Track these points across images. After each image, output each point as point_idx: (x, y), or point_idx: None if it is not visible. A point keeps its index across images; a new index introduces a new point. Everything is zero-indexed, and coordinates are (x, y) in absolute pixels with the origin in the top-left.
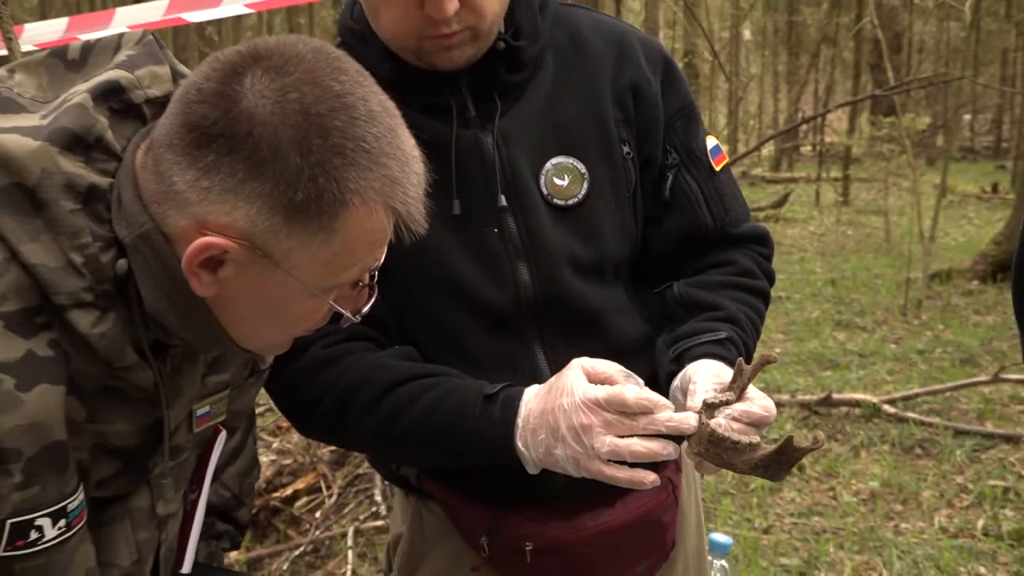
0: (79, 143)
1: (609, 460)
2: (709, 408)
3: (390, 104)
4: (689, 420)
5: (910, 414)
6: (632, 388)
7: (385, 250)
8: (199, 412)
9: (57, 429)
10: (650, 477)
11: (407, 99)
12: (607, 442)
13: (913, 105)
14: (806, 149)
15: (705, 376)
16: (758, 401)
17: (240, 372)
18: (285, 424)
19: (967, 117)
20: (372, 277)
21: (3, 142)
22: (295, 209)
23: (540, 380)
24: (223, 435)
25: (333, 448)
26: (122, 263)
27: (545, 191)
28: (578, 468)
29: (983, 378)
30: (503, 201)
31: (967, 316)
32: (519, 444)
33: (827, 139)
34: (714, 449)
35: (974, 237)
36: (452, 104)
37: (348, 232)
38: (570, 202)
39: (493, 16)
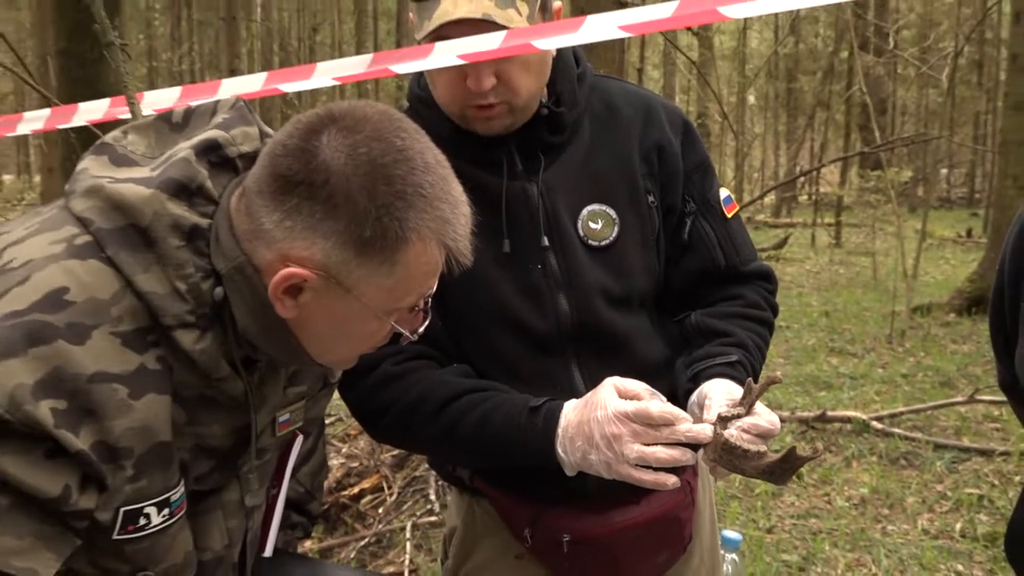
0: (184, 190)
1: (637, 465)
2: (723, 421)
3: (442, 157)
4: (705, 431)
5: (895, 430)
6: (656, 403)
7: (437, 280)
8: (281, 419)
9: (163, 431)
10: (672, 479)
11: (464, 155)
12: (635, 449)
13: (897, 160)
14: (803, 198)
15: (719, 393)
16: (765, 416)
17: (314, 385)
18: (353, 432)
19: (944, 171)
20: (426, 303)
21: (120, 190)
22: (364, 244)
23: (577, 395)
24: (300, 439)
25: (394, 453)
26: (219, 291)
27: (582, 233)
28: (610, 471)
29: (960, 399)
30: (546, 242)
31: (945, 344)
32: (559, 450)
33: (821, 189)
34: (727, 456)
35: (951, 276)
36: (503, 160)
37: (408, 264)
38: (603, 243)
39: (528, 94)
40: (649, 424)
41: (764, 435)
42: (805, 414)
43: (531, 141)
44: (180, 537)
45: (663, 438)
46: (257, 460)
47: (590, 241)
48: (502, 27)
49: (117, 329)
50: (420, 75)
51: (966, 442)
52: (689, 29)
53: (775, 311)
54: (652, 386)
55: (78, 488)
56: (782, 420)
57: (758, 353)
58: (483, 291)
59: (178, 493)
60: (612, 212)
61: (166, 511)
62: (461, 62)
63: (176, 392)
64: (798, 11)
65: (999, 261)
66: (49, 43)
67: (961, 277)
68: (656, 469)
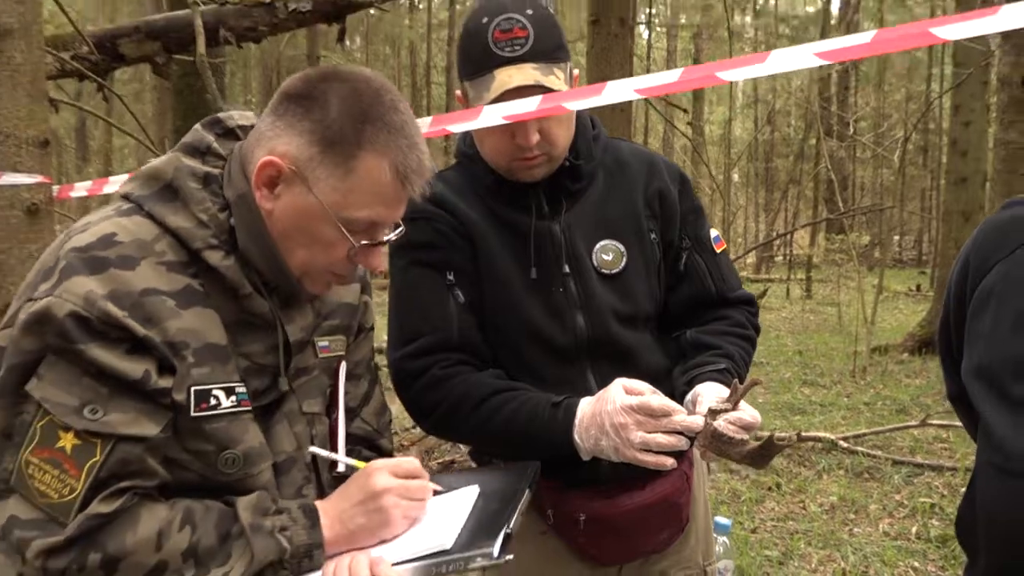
0: (195, 150)
1: (641, 449)
2: (712, 413)
3: (418, 127)
4: (697, 421)
5: (859, 448)
6: (656, 398)
7: (392, 216)
8: (320, 344)
9: (212, 335)
10: (670, 461)
11: (502, 199)
12: (639, 436)
13: (857, 226)
14: (779, 258)
15: (709, 392)
16: (748, 411)
17: (346, 321)
18: (407, 443)
19: (896, 237)
20: (382, 243)
21: (151, 164)
22: (327, 144)
23: (591, 394)
24: (344, 366)
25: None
26: (231, 219)
27: (596, 263)
28: (618, 454)
29: (914, 423)
30: (567, 269)
31: (900, 379)
32: (576, 437)
33: (794, 251)
34: (715, 443)
35: (903, 322)
36: (532, 204)
37: (360, 173)
38: (613, 271)
39: (564, 145)
40: (650, 415)
41: (747, 427)
42: (782, 434)
43: (556, 188)
44: (252, 429)
45: (662, 427)
46: (304, 376)
47: (602, 270)
48: (546, 90)
49: (161, 260)
50: (466, 135)
51: (919, 459)
52: (688, 122)
53: (757, 330)
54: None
55: (156, 372)
56: (760, 440)
57: (743, 363)
58: (515, 311)
59: (241, 387)
60: (621, 246)
61: (233, 398)
62: (506, 121)
63: (219, 315)
64: (774, 104)
65: (946, 289)
66: (167, 127)
67: (912, 324)
68: (657, 453)
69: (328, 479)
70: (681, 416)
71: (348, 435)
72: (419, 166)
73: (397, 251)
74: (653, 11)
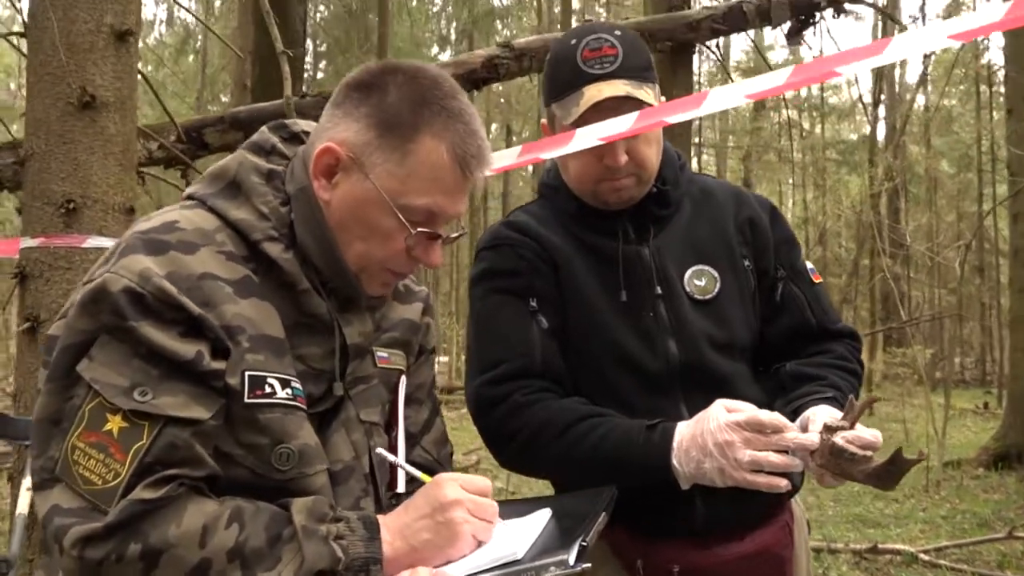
0: (260, 149)
1: (751, 470)
2: (829, 430)
3: (478, 118)
4: (812, 438)
5: (942, 561)
6: (766, 412)
7: (452, 207)
8: (379, 354)
9: (268, 327)
10: (783, 482)
11: (587, 225)
12: (748, 454)
13: (917, 342)
14: None
15: (822, 414)
16: (867, 432)
17: (406, 336)
18: None
19: (957, 359)
20: (442, 237)
21: (221, 162)
22: (384, 128)
23: None
24: (404, 381)
25: None
26: (290, 213)
27: (688, 289)
28: (723, 477)
29: (999, 535)
30: (659, 290)
31: (977, 493)
32: (675, 462)
33: None
34: (835, 460)
35: (972, 440)
36: (619, 229)
37: (418, 157)
38: (707, 297)
39: (651, 167)
40: (759, 431)
41: (867, 447)
42: (857, 546)
43: (642, 214)
44: (307, 428)
45: (773, 444)
46: (363, 385)
47: (695, 295)
48: (638, 103)
49: (221, 249)
50: (551, 168)
51: (1009, 574)
52: None
53: (862, 366)
54: None
55: (209, 354)
56: (835, 552)
57: (851, 397)
58: (603, 335)
59: (297, 383)
60: (714, 271)
61: (289, 390)
62: (600, 142)
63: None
64: (824, 223)
65: None
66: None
67: (982, 440)
68: (769, 475)
69: (386, 499)
70: (794, 433)
71: (407, 462)
72: (479, 152)
73: (478, 280)
74: (700, 139)
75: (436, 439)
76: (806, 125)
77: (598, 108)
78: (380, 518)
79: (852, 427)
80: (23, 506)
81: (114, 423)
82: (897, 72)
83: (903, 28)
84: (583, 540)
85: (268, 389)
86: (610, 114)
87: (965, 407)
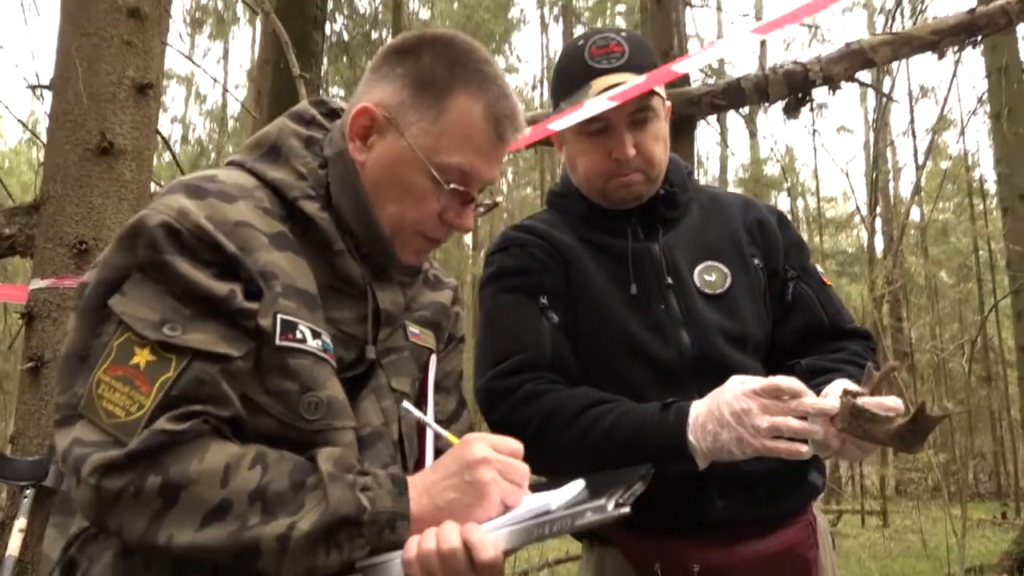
0: (301, 118)
1: (770, 436)
2: (848, 395)
3: (509, 84)
4: (832, 402)
5: None
6: (783, 377)
7: (486, 171)
8: (411, 329)
9: (302, 281)
10: (805, 448)
11: (595, 226)
12: (767, 420)
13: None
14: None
15: (841, 382)
16: (888, 399)
17: (437, 318)
18: None
19: (971, 476)
20: (475, 201)
21: (262, 130)
22: (419, 86)
23: None
24: (434, 359)
25: None
26: (327, 174)
27: (698, 284)
28: (741, 447)
29: None
30: (669, 280)
31: None
32: (691, 438)
33: (864, 479)
34: (857, 422)
35: (993, 548)
36: (627, 229)
37: (452, 114)
38: (717, 291)
39: (659, 164)
40: (777, 396)
41: (889, 410)
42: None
43: (650, 216)
44: (336, 382)
45: (792, 410)
46: (394, 355)
47: (705, 290)
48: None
49: (259, 204)
50: (561, 180)
51: None
52: None
53: (877, 367)
54: None
55: (242, 295)
56: None
57: (868, 365)
58: (614, 327)
59: (327, 338)
60: (724, 267)
61: (319, 342)
62: (612, 103)
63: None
64: None
65: None
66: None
67: (1002, 548)
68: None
69: (413, 470)
70: (812, 398)
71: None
72: (512, 114)
73: (488, 282)
74: None
75: (462, 431)
76: (805, 236)
77: (603, 82)
78: (408, 477)
79: (872, 394)
80: (13, 548)
81: (141, 356)
82: (891, 184)
83: (893, 101)
84: (620, 498)
85: (299, 335)
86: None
87: (983, 518)
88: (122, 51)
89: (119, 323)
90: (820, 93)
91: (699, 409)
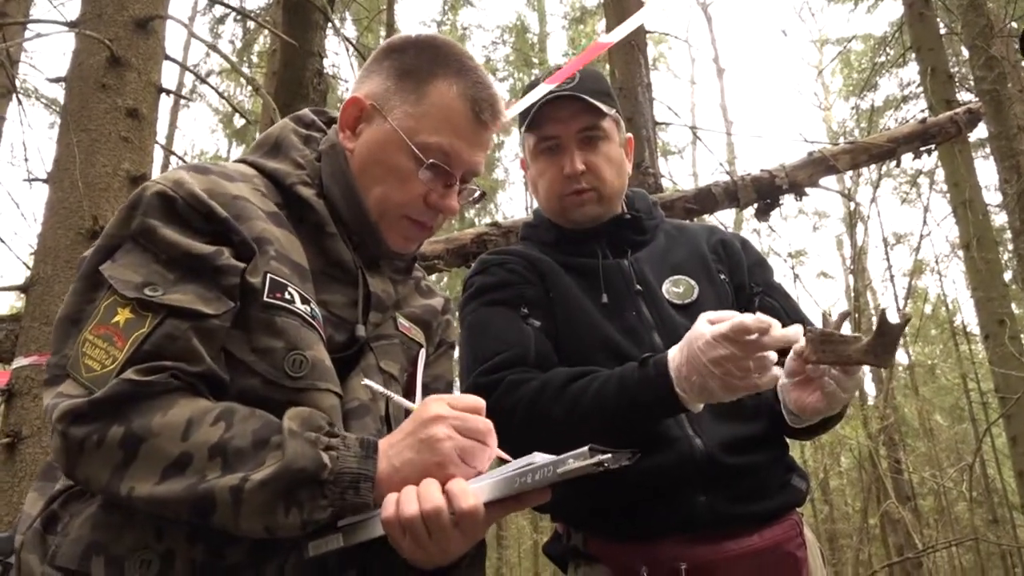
0: (301, 121)
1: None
2: (810, 331)
3: (490, 79)
4: (796, 330)
5: None
6: (749, 315)
7: (468, 154)
8: (402, 322)
9: (295, 255)
10: (778, 371)
11: (566, 250)
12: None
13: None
14: None
15: (795, 325)
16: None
17: (427, 317)
18: None
19: None
20: (456, 187)
21: (266, 131)
22: (402, 75)
23: (681, 421)
24: (423, 353)
25: None
26: (321, 167)
27: (667, 296)
28: (727, 390)
29: None
30: (638, 287)
31: None
32: (678, 391)
33: None
34: (827, 347)
35: None
36: (597, 251)
37: (432, 99)
38: (686, 301)
39: (610, 184)
40: (746, 334)
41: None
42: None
43: (618, 239)
44: (320, 347)
45: (763, 345)
46: (384, 340)
47: (675, 300)
48: (595, 113)
49: (258, 188)
50: (533, 213)
51: None
52: None
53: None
54: (744, 425)
55: (232, 257)
56: None
57: (825, 310)
58: (591, 331)
59: (316, 307)
60: (691, 280)
61: (307, 307)
62: (551, 86)
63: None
64: (826, 480)
65: None
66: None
67: None
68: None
69: None
70: (779, 329)
71: None
72: (491, 99)
73: (468, 300)
74: None
75: None
76: None
77: (555, 104)
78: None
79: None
80: None
81: (122, 315)
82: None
83: (860, 206)
84: (602, 455)
85: (288, 296)
86: (563, 114)
87: None
88: (119, 146)
89: (108, 287)
90: (802, 237)
91: (678, 359)
